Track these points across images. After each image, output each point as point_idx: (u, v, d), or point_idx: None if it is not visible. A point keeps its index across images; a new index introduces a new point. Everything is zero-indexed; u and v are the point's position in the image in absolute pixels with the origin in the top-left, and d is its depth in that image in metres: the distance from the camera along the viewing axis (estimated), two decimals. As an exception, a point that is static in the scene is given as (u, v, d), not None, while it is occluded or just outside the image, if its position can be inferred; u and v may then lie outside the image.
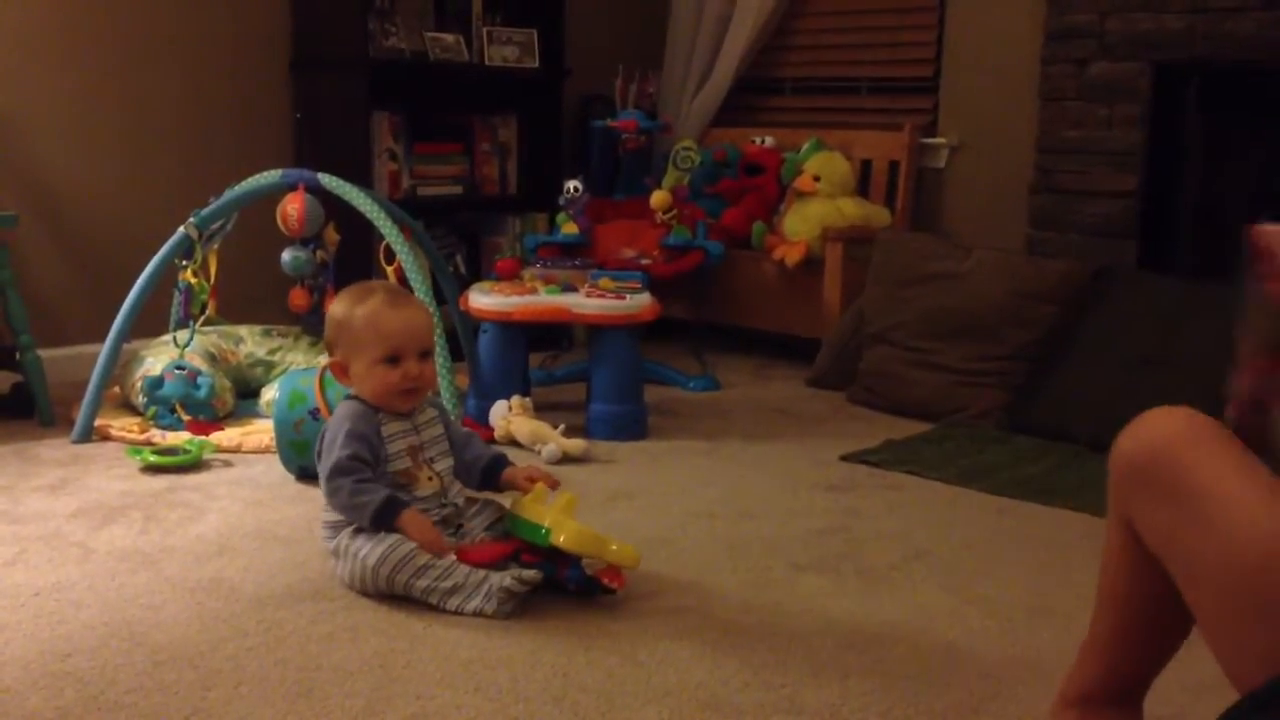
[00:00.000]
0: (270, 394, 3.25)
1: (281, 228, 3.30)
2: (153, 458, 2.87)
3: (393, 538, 2.09)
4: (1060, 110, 3.94)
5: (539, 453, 3.03)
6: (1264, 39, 3.51)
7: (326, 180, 3.21)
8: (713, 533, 2.52)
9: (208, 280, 3.32)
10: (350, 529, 2.15)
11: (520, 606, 2.05)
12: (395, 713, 1.71)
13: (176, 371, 3.17)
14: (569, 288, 3.40)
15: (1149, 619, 1.38)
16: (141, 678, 1.80)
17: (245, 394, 3.40)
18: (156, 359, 3.25)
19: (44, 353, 3.32)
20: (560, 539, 2.07)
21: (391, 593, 2.09)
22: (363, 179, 3.87)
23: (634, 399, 3.30)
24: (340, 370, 2.25)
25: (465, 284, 3.65)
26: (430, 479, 2.22)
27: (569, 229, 4.17)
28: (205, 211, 3.24)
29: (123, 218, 3.82)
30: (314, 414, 2.74)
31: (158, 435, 3.08)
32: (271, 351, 3.46)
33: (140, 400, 3.19)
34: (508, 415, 3.17)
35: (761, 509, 2.69)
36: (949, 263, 3.68)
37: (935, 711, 1.76)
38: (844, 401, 3.76)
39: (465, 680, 1.81)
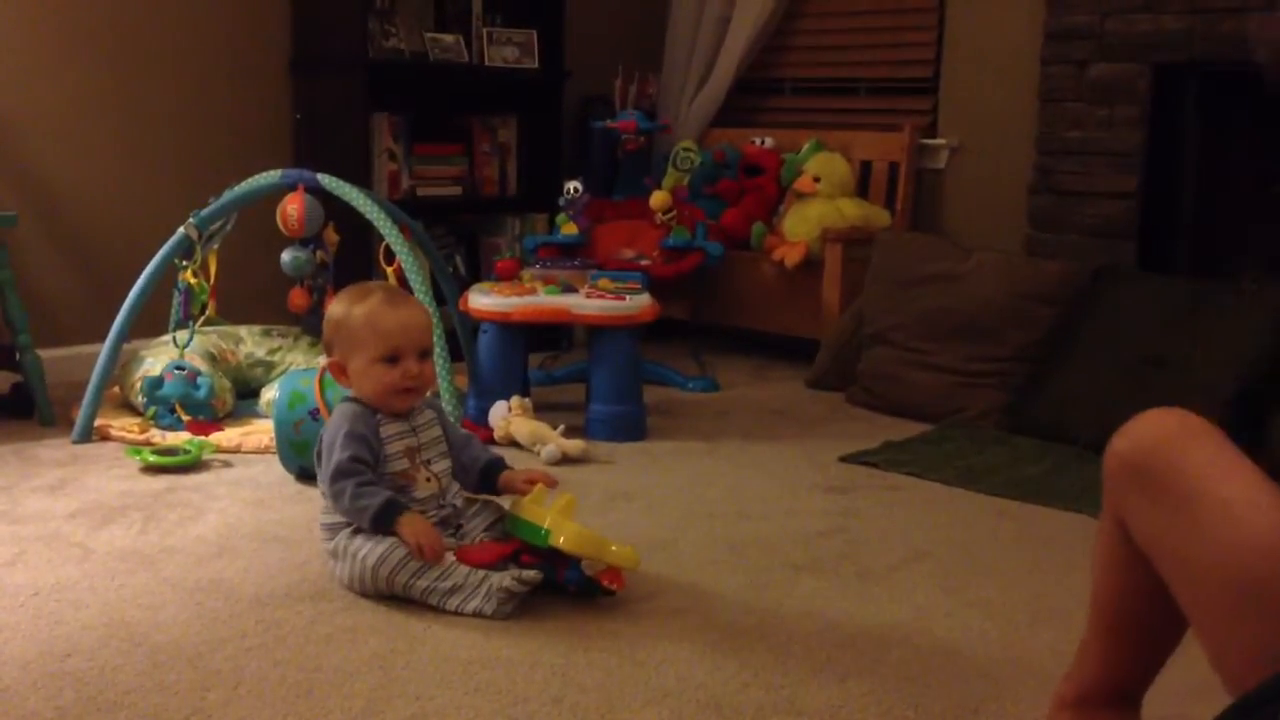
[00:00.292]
0: (270, 394, 3.25)
1: (281, 228, 3.31)
2: (152, 458, 2.87)
3: (393, 538, 2.09)
4: (1060, 111, 3.95)
5: (538, 453, 3.03)
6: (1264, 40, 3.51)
7: (326, 181, 3.21)
8: (712, 534, 2.52)
9: (207, 280, 3.32)
10: (349, 529, 2.15)
11: (520, 607, 2.05)
12: (395, 713, 1.71)
13: (176, 372, 3.17)
14: (568, 288, 3.41)
15: (1142, 619, 1.38)
16: (141, 678, 1.80)
17: (245, 394, 3.40)
18: (156, 359, 3.25)
19: (44, 353, 3.32)
20: (560, 540, 2.07)
21: (391, 593, 2.09)
22: (362, 179, 3.87)
23: (633, 400, 3.30)
24: (339, 370, 2.25)
25: (465, 284, 3.66)
26: (428, 480, 2.22)
27: (568, 230, 4.17)
28: (205, 212, 3.24)
29: (122, 218, 3.82)
30: (314, 414, 2.74)
31: (157, 435, 3.08)
32: (271, 352, 3.46)
33: (140, 400, 3.19)
34: (507, 416, 3.17)
35: (761, 510, 2.69)
36: (948, 264, 3.69)
37: (934, 712, 1.76)
38: (843, 402, 3.77)
39: (465, 681, 1.81)
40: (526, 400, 3.24)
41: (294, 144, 4.19)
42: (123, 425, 3.14)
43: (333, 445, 2.15)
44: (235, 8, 4.03)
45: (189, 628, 1.99)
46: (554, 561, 2.10)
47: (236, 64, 4.05)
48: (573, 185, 4.18)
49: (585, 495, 2.62)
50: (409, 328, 2.21)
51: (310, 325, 3.49)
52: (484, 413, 3.23)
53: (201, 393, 3.16)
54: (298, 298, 3.46)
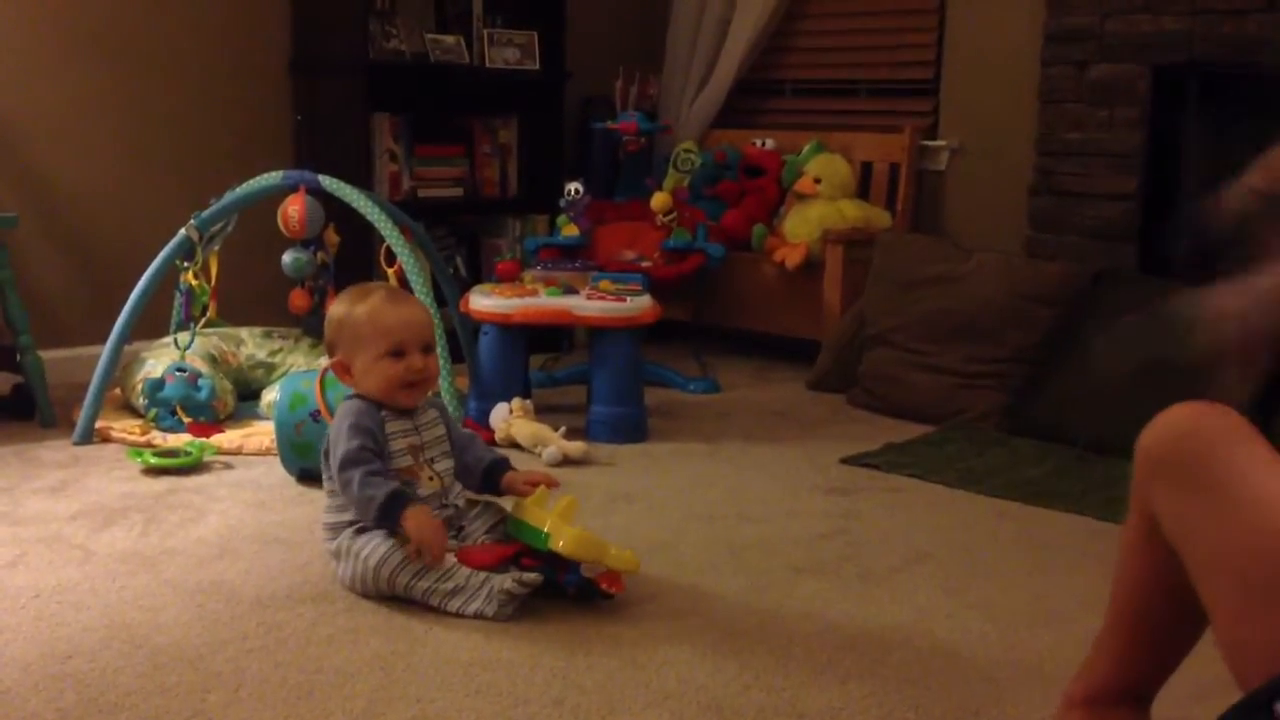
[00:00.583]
0: (271, 396, 3.25)
1: (282, 229, 3.31)
2: (153, 460, 2.88)
3: (394, 540, 2.09)
4: (1060, 112, 3.94)
5: (539, 455, 3.03)
6: (1263, 41, 3.51)
7: (327, 182, 3.21)
8: (713, 535, 2.52)
9: (209, 282, 3.32)
10: (351, 530, 2.15)
11: (521, 609, 2.05)
12: (395, 715, 1.71)
13: (177, 373, 3.17)
14: (569, 290, 3.41)
15: (1161, 616, 1.38)
16: (142, 680, 1.80)
17: (246, 396, 3.40)
18: (157, 361, 3.25)
19: (45, 354, 3.32)
20: (560, 544, 2.07)
21: (392, 594, 2.09)
22: (363, 181, 3.87)
23: (634, 401, 3.30)
24: (343, 370, 2.25)
25: (466, 286, 3.66)
26: (431, 479, 2.22)
27: (569, 231, 4.17)
28: (206, 213, 3.25)
29: (123, 219, 3.82)
30: (315, 416, 2.74)
31: (158, 437, 3.08)
32: (272, 353, 3.46)
33: (141, 402, 3.19)
34: (508, 417, 3.17)
35: (761, 512, 2.69)
36: (949, 265, 3.69)
37: (935, 715, 1.76)
38: (844, 404, 3.77)
39: (466, 683, 1.81)
40: (527, 402, 3.24)
41: (295, 145, 4.19)
42: (124, 427, 3.14)
43: (339, 437, 2.16)
44: (236, 9, 4.04)
45: (190, 629, 1.99)
46: (554, 564, 2.10)
47: (237, 65, 4.05)
48: (573, 187, 4.18)
49: (586, 497, 2.62)
50: (412, 323, 2.23)
51: (311, 327, 3.49)
52: (485, 414, 3.24)
53: (202, 394, 3.16)
54: (299, 299, 3.47)
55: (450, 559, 2.10)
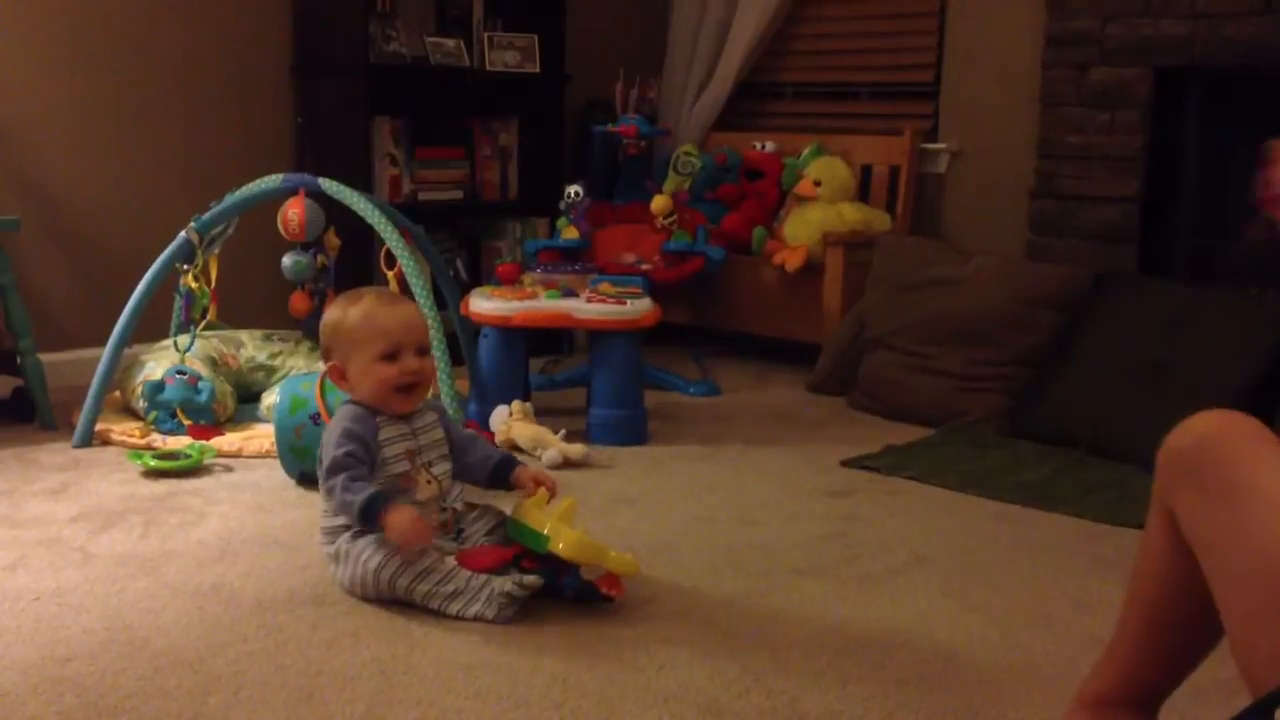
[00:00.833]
0: (271, 399, 3.25)
1: (282, 232, 3.30)
2: (153, 462, 2.88)
3: (393, 542, 2.09)
4: (1061, 115, 3.95)
5: (539, 457, 3.03)
6: (1263, 44, 3.51)
7: (327, 185, 3.21)
8: (713, 538, 2.52)
9: (209, 285, 3.32)
10: (349, 534, 2.15)
11: (521, 612, 2.05)
12: (395, 718, 1.71)
13: (177, 376, 3.17)
14: (569, 292, 3.41)
15: (1178, 619, 1.38)
16: (141, 683, 1.80)
17: (246, 398, 3.40)
18: (157, 363, 3.25)
19: (45, 357, 3.32)
20: (559, 546, 2.07)
21: (392, 597, 2.09)
22: (363, 184, 3.87)
23: (634, 404, 3.30)
24: (338, 375, 2.25)
25: (466, 289, 3.66)
26: (429, 483, 2.22)
27: (569, 234, 4.17)
28: (206, 216, 3.25)
29: (124, 222, 3.82)
30: (315, 419, 2.74)
31: (158, 440, 3.08)
32: (272, 356, 3.46)
33: (141, 405, 3.19)
34: (508, 420, 3.17)
35: (762, 514, 2.69)
36: (949, 268, 3.69)
37: (935, 717, 1.76)
38: (844, 406, 3.77)
39: (465, 685, 1.81)
40: (527, 404, 3.24)
41: (295, 148, 4.19)
42: (124, 430, 3.14)
43: (329, 443, 2.16)
44: (236, 12, 4.04)
45: (190, 632, 1.99)
46: (553, 567, 2.10)
47: (238, 68, 4.05)
48: (574, 189, 4.18)
49: (586, 499, 2.62)
50: (405, 324, 2.22)
51: (311, 330, 3.48)
52: (485, 417, 3.24)
53: (202, 397, 3.16)
54: (299, 302, 3.46)
55: (450, 562, 2.10)
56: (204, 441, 3.03)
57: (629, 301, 3.32)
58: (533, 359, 3.55)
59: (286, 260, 3.39)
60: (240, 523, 2.55)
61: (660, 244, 4.14)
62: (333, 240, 3.43)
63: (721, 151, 4.57)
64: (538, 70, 4.53)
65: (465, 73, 4.40)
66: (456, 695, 1.78)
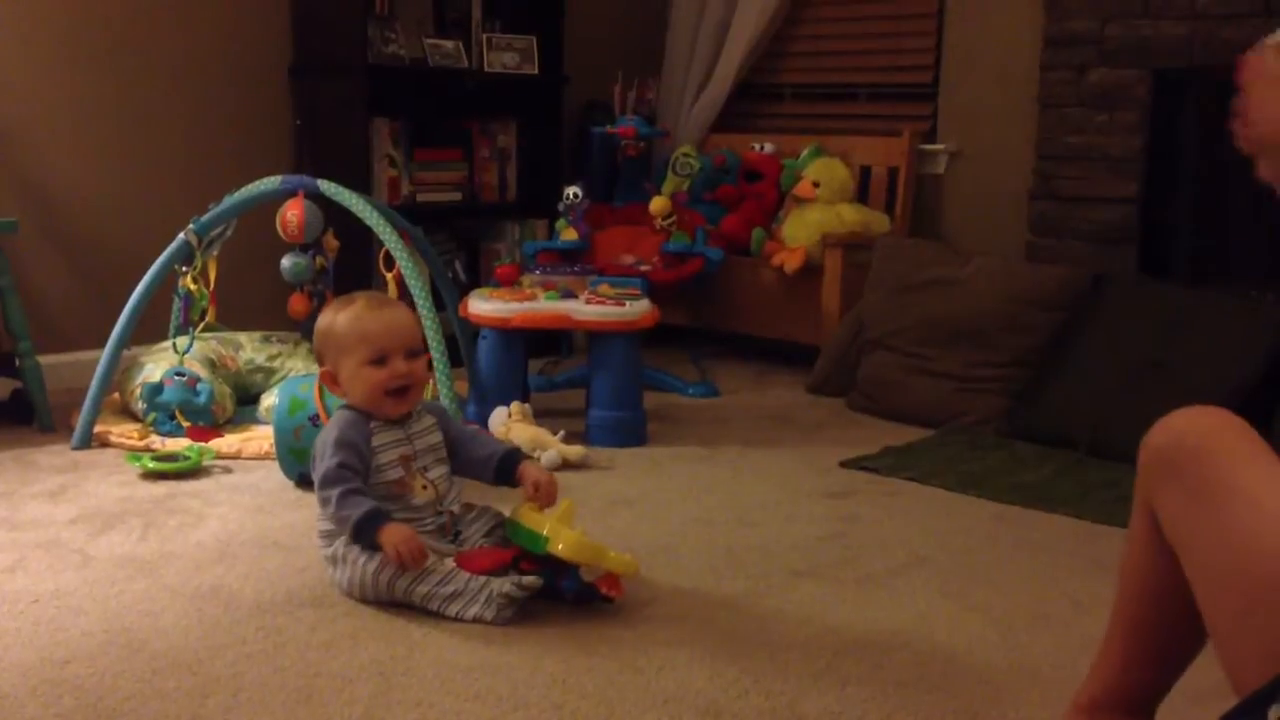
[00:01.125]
0: (270, 400, 3.25)
1: (281, 234, 3.30)
2: (152, 464, 2.87)
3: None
4: (1060, 117, 3.95)
5: (538, 459, 3.02)
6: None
7: (326, 186, 3.21)
8: (712, 539, 2.52)
9: (207, 286, 3.32)
10: (346, 535, 2.15)
11: (520, 613, 2.05)
12: (394, 719, 1.71)
13: (176, 378, 3.17)
14: (568, 294, 3.41)
15: (1164, 620, 1.38)
16: (140, 685, 1.80)
17: (245, 400, 3.40)
18: (156, 365, 3.25)
19: (43, 359, 3.32)
20: (558, 547, 2.07)
21: (391, 599, 2.09)
22: (362, 185, 3.87)
23: (633, 405, 3.30)
24: (330, 380, 2.26)
25: (465, 290, 3.66)
26: (425, 488, 2.22)
27: (568, 235, 4.17)
28: (205, 218, 3.24)
29: (123, 224, 3.82)
30: (314, 420, 2.74)
31: (157, 441, 3.08)
32: (271, 358, 3.46)
33: (140, 406, 3.19)
34: (507, 421, 3.17)
35: (760, 516, 2.69)
36: (948, 269, 3.69)
37: (934, 718, 1.76)
38: (843, 408, 3.77)
39: (465, 687, 1.81)
40: (526, 406, 3.23)
41: (294, 150, 4.19)
42: (122, 431, 3.14)
43: (323, 453, 2.16)
44: (235, 13, 4.04)
45: (189, 634, 1.99)
46: (552, 568, 2.10)
47: (237, 70, 4.05)
48: (572, 191, 4.18)
49: (585, 501, 2.62)
50: (393, 328, 2.22)
51: (310, 331, 3.46)
52: (484, 419, 3.23)
53: (201, 399, 3.16)
54: (297, 304, 3.46)
55: (449, 563, 2.10)
56: (203, 443, 3.03)
57: (628, 303, 3.32)
58: (532, 360, 3.55)
59: (285, 262, 3.39)
60: (239, 525, 2.55)
61: (659, 245, 4.15)
62: (331, 242, 3.43)
63: (720, 153, 4.57)
64: (536, 71, 4.53)
65: (464, 74, 4.40)
66: (456, 697, 1.78)
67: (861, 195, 4.35)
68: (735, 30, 4.73)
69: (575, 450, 3.05)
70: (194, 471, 2.89)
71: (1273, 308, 3.26)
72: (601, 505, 2.72)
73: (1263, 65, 1.34)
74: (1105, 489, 2.89)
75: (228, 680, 1.82)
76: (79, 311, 3.73)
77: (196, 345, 3.30)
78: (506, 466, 2.29)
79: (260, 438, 3.09)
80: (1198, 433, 1.29)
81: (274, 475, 2.87)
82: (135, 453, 2.98)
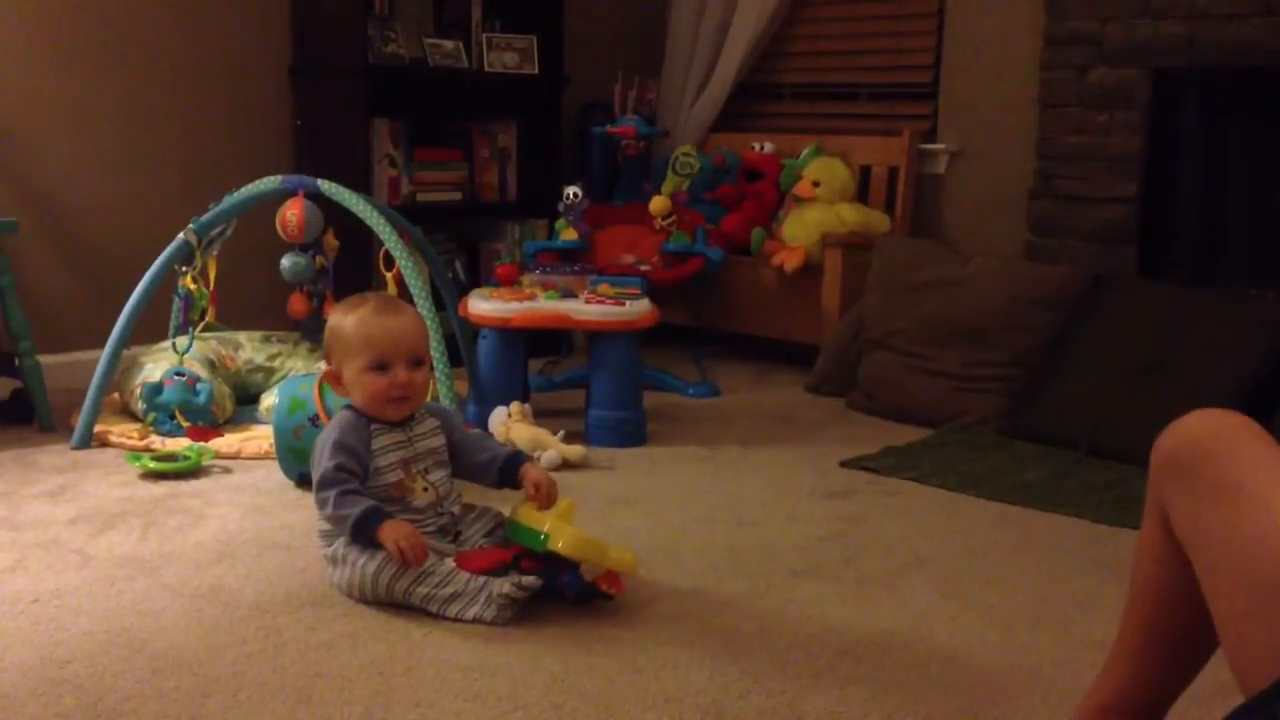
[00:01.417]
0: (270, 400, 3.25)
1: (281, 234, 3.30)
2: (152, 464, 2.87)
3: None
4: (1060, 116, 3.95)
5: (538, 459, 3.02)
6: (1263, 45, 3.51)
7: (326, 186, 3.21)
8: (712, 539, 2.52)
9: (207, 286, 3.32)
10: (345, 535, 2.15)
11: (520, 613, 2.05)
12: (394, 719, 1.71)
13: (176, 377, 3.17)
14: (568, 294, 3.40)
15: (1175, 622, 1.38)
16: (140, 685, 1.80)
17: (245, 400, 3.40)
18: (156, 365, 3.25)
19: (43, 359, 3.31)
20: (559, 545, 2.07)
21: (391, 600, 2.09)
22: (362, 185, 3.87)
23: (633, 405, 3.30)
24: (334, 380, 2.26)
25: (465, 290, 3.66)
26: (425, 490, 2.22)
27: (568, 235, 4.17)
28: (205, 218, 3.24)
29: (123, 224, 3.82)
30: (313, 420, 2.74)
31: (157, 441, 3.08)
32: (271, 358, 3.46)
33: (140, 406, 3.19)
34: (507, 421, 3.17)
35: (761, 515, 2.69)
36: (948, 269, 3.69)
37: (935, 718, 1.76)
38: (843, 407, 3.77)
39: (464, 687, 1.81)
40: (526, 406, 3.23)
41: (294, 150, 4.19)
42: (122, 431, 3.14)
43: (321, 454, 2.16)
44: (235, 14, 4.04)
45: (189, 634, 1.99)
46: (553, 567, 2.10)
47: (237, 70, 4.05)
48: (572, 190, 4.18)
49: (585, 500, 2.62)
50: (398, 336, 2.21)
51: (309, 331, 3.49)
52: (483, 418, 3.23)
53: (201, 399, 3.16)
54: (297, 303, 3.46)
55: (449, 564, 2.10)
56: (203, 443, 3.02)
57: (628, 302, 3.32)
58: (531, 360, 3.54)
59: (285, 262, 3.39)
60: (239, 524, 2.55)
61: (659, 245, 4.14)
62: (331, 242, 3.43)
63: (720, 152, 4.57)
64: (536, 71, 4.53)
65: (464, 74, 4.40)
66: (455, 697, 1.78)
67: (862, 195, 4.35)
68: (735, 30, 4.73)
69: (575, 450, 3.05)
70: (194, 471, 2.89)
71: (1273, 308, 3.25)
72: (601, 505, 2.72)
73: None
74: (1105, 489, 2.89)
75: (228, 680, 1.82)
76: (79, 311, 3.73)
77: (196, 345, 3.30)
78: (509, 470, 2.29)
79: (260, 437, 3.09)
80: (1209, 435, 1.29)
81: (274, 475, 2.87)
82: (135, 453, 2.98)
